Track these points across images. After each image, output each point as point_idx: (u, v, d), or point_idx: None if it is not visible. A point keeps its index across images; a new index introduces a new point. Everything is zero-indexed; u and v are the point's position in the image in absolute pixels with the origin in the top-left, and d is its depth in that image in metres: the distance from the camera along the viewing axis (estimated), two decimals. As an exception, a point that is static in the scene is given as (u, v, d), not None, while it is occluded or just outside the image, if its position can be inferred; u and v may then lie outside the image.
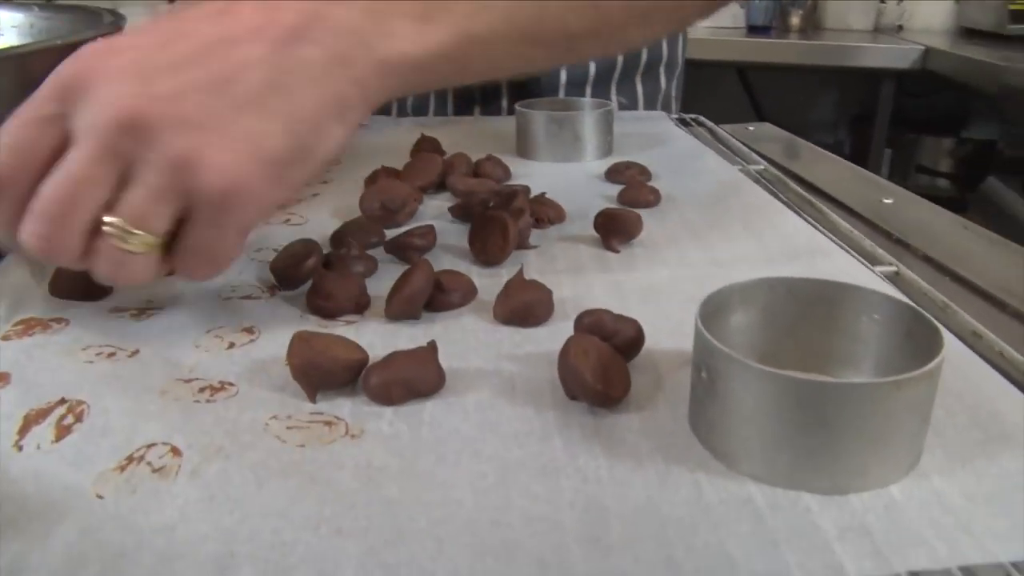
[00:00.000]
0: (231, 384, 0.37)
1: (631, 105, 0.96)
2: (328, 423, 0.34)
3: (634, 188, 0.60)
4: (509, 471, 0.31)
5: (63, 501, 0.30)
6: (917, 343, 0.34)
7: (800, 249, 0.52)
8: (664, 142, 0.77)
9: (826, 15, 2.20)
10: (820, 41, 2.03)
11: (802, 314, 0.37)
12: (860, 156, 1.97)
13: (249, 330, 0.42)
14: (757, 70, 2.19)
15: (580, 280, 0.47)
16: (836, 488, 0.30)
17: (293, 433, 0.34)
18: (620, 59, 0.93)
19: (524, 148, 0.73)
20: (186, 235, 0.37)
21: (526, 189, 0.58)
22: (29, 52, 0.51)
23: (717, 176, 0.67)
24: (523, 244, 0.51)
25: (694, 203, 0.60)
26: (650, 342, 0.39)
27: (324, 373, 0.36)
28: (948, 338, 0.34)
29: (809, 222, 0.56)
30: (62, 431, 0.34)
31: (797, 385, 0.29)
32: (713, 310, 0.35)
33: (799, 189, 0.64)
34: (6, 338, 0.41)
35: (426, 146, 0.71)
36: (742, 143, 0.77)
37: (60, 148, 0.36)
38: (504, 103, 0.92)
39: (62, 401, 0.36)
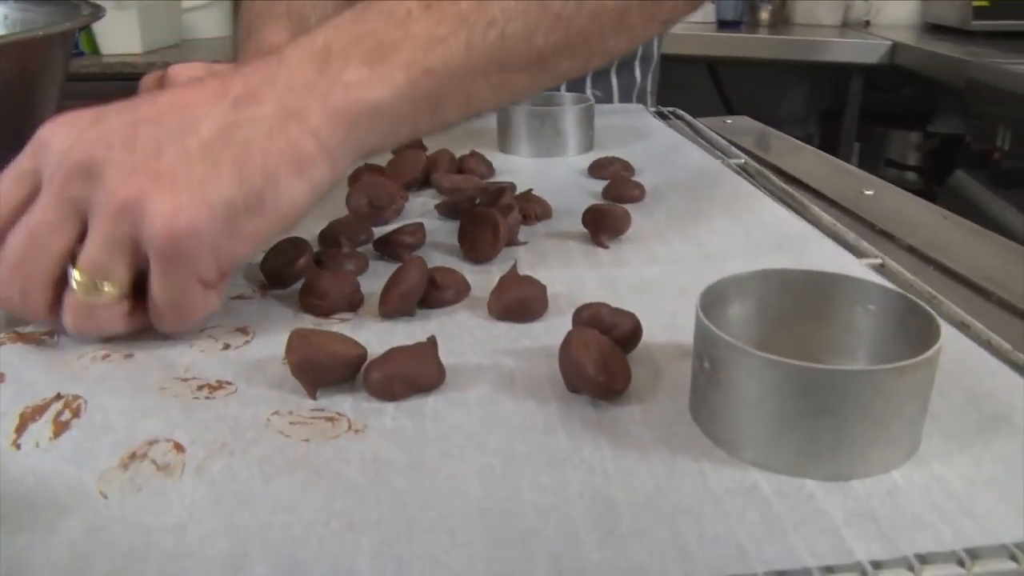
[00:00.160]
0: (229, 383, 0.37)
1: (606, 99, 0.97)
2: (330, 419, 0.34)
3: (619, 183, 0.60)
4: (516, 464, 0.31)
5: (66, 499, 0.29)
6: (911, 331, 0.34)
7: (786, 242, 0.52)
8: (644, 136, 0.77)
9: (795, 10, 2.22)
10: (790, 36, 2.05)
11: (796, 305, 0.37)
12: (830, 150, 1.98)
13: (243, 330, 0.42)
14: (727, 65, 2.20)
15: (572, 275, 0.48)
16: (839, 474, 0.31)
17: (296, 428, 0.33)
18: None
19: (505, 143, 0.73)
20: (150, 286, 0.38)
21: (512, 185, 0.58)
22: (3, 44, 0.50)
23: (700, 170, 0.67)
24: (512, 241, 0.51)
25: (679, 197, 0.60)
26: (646, 335, 0.39)
27: (324, 369, 0.35)
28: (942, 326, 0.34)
29: (792, 213, 0.57)
30: (60, 427, 0.34)
31: (800, 372, 0.30)
32: (711, 302, 0.35)
33: (780, 182, 0.65)
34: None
35: (409, 142, 0.71)
36: (721, 136, 0.77)
37: (32, 200, 0.38)
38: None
39: (58, 397, 0.35)
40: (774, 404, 0.31)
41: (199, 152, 0.36)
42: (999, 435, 0.33)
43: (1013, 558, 0.27)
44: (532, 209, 0.55)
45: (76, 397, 0.35)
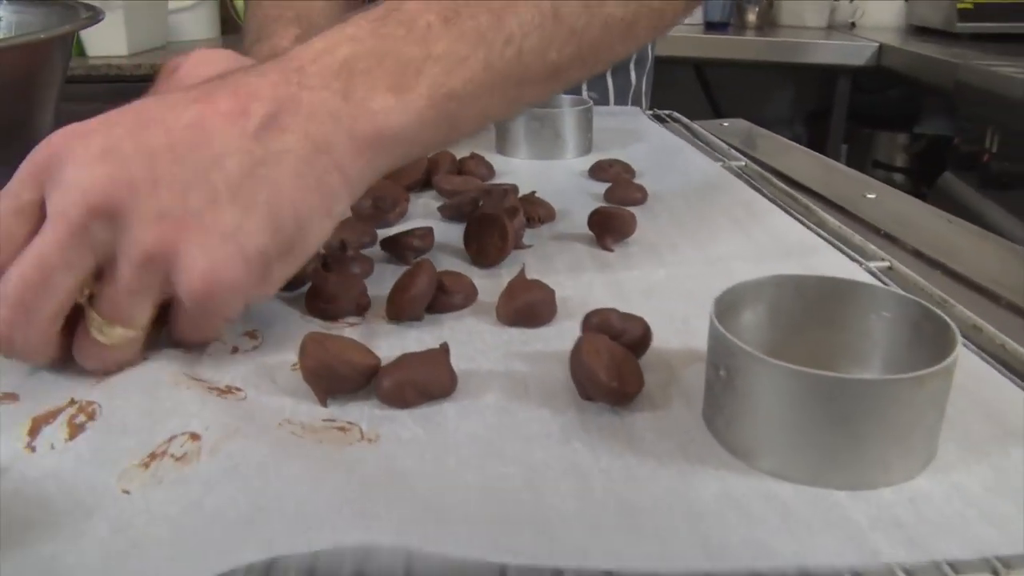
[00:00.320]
0: (238, 389, 0.36)
1: (602, 100, 0.97)
2: (342, 428, 0.34)
3: (621, 186, 0.60)
4: (535, 472, 0.31)
5: (90, 500, 0.29)
6: (925, 338, 0.34)
7: (792, 245, 0.52)
8: (642, 139, 0.77)
9: (781, 12, 2.23)
10: (777, 38, 2.06)
11: (809, 311, 0.37)
12: (817, 151, 2.00)
13: (251, 334, 0.41)
14: (714, 66, 2.21)
15: (579, 279, 0.47)
16: (859, 483, 0.31)
17: (309, 434, 0.33)
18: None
19: (504, 145, 0.73)
20: (175, 321, 0.37)
21: (514, 188, 0.58)
22: (3, 47, 0.50)
23: (700, 173, 0.67)
24: (517, 244, 0.51)
25: (681, 200, 0.60)
26: (656, 339, 0.39)
27: (338, 377, 0.35)
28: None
29: (797, 218, 0.56)
30: (75, 429, 0.33)
31: (821, 382, 0.30)
32: (724, 308, 0.35)
33: (782, 185, 0.64)
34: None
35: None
36: (719, 139, 0.77)
37: (34, 233, 0.34)
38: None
39: (71, 402, 0.35)
40: (794, 413, 0.30)
41: (228, 195, 0.34)
42: (1016, 442, 0.33)
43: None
44: (536, 212, 0.55)
45: (90, 402, 0.35)
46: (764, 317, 0.37)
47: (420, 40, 0.39)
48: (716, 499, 0.30)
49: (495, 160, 0.68)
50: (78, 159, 0.34)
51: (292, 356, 0.39)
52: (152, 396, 0.35)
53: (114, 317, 0.35)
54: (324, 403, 0.35)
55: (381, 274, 0.48)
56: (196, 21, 1.74)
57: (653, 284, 0.47)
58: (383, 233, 0.52)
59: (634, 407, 0.35)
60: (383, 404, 0.35)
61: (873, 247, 0.52)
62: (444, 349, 0.37)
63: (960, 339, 0.32)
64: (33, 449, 0.32)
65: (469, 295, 0.44)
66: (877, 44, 1.89)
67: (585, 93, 0.94)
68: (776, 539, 0.28)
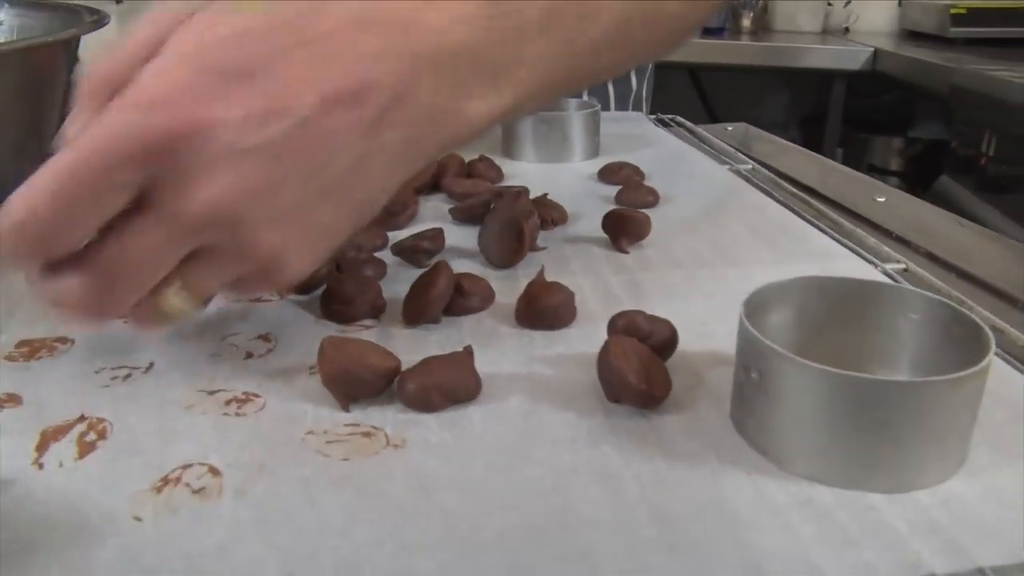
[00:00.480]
0: (256, 395, 0.36)
1: (603, 106, 0.96)
2: (367, 434, 0.33)
3: (632, 189, 0.60)
4: (564, 477, 0.30)
5: (99, 524, 0.28)
6: (955, 340, 0.34)
7: (807, 248, 0.52)
8: (648, 143, 0.77)
9: (776, 17, 2.24)
10: (772, 43, 2.06)
11: (835, 313, 0.37)
12: (812, 156, 2.00)
13: (265, 337, 0.41)
14: (709, 71, 2.21)
15: (597, 281, 0.47)
16: (895, 486, 0.30)
17: (334, 447, 0.32)
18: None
19: (511, 148, 0.72)
20: (234, 287, 0.36)
21: (525, 190, 0.57)
22: (10, 51, 0.49)
23: (709, 176, 0.67)
24: (532, 246, 0.50)
25: (693, 203, 0.60)
26: (679, 342, 0.39)
27: (359, 382, 0.34)
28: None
29: (810, 221, 0.56)
30: (85, 447, 0.32)
31: (858, 384, 0.29)
32: (751, 310, 0.35)
33: (792, 188, 0.64)
34: (10, 359, 0.39)
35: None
36: (726, 144, 0.77)
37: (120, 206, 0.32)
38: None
39: (81, 418, 0.34)
40: (829, 416, 0.30)
41: (332, 191, 0.34)
42: (1050, 444, 0.33)
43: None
44: (549, 214, 0.54)
45: (100, 420, 0.34)
46: (790, 319, 0.37)
47: (516, 41, 0.37)
48: (751, 505, 0.29)
49: (502, 163, 0.68)
50: (202, 158, 0.31)
51: (308, 360, 0.38)
52: (164, 416, 0.34)
53: (194, 293, 0.35)
54: (346, 408, 0.35)
55: (394, 277, 0.47)
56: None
57: (671, 286, 0.46)
58: (394, 236, 0.52)
59: (662, 410, 0.35)
60: (406, 408, 0.35)
61: (887, 250, 0.52)
62: (468, 352, 0.36)
63: (994, 341, 0.31)
64: (41, 466, 0.31)
65: (486, 297, 0.44)
66: (872, 49, 1.90)
67: (586, 98, 0.94)
68: (816, 548, 0.27)
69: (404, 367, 0.36)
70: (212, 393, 0.36)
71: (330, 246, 0.36)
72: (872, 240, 0.53)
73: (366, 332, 0.41)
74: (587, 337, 0.40)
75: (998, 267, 0.51)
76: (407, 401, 0.34)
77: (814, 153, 0.80)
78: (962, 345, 0.33)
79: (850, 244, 0.52)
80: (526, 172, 0.68)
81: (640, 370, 0.34)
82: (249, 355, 0.39)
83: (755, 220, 0.56)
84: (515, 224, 0.47)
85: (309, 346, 0.39)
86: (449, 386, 0.35)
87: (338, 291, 0.42)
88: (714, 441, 0.33)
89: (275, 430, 0.33)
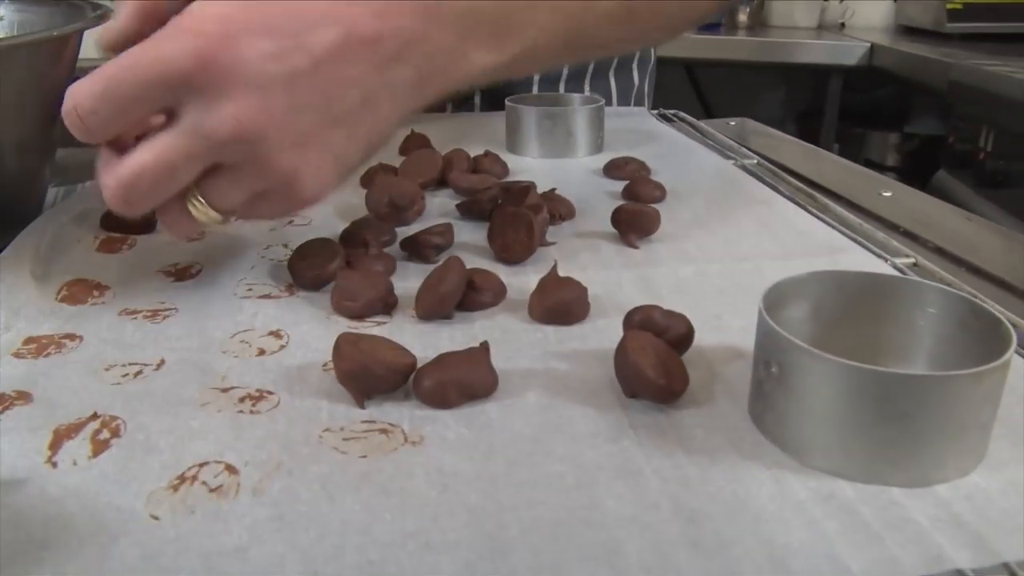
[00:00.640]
0: (270, 392, 0.35)
1: (606, 100, 0.96)
2: (384, 431, 0.33)
3: (639, 183, 0.60)
4: (586, 472, 0.30)
5: (115, 523, 0.28)
6: (973, 334, 0.34)
7: (817, 242, 0.52)
8: (652, 138, 0.77)
9: (772, 12, 2.24)
10: (768, 38, 2.06)
11: (851, 307, 0.37)
12: (809, 151, 2.00)
13: (276, 333, 0.40)
14: (705, 67, 2.21)
15: (608, 276, 0.47)
16: (916, 480, 0.30)
17: (351, 444, 0.32)
18: (593, 55, 0.93)
19: (515, 144, 0.72)
20: (255, 204, 0.40)
21: (533, 185, 0.57)
22: (13, 45, 0.48)
23: (715, 171, 0.67)
24: (541, 241, 0.50)
25: (700, 198, 0.59)
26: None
27: (375, 378, 0.34)
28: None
29: (817, 216, 0.56)
30: (99, 446, 0.32)
31: (881, 378, 0.29)
32: (769, 304, 0.34)
33: (798, 183, 0.64)
34: (18, 355, 0.38)
35: (416, 142, 0.69)
36: (729, 138, 0.77)
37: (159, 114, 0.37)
38: (477, 101, 0.91)
39: (94, 416, 0.34)
40: (851, 410, 0.30)
41: (345, 121, 0.38)
42: (1070, 437, 0.33)
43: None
44: (557, 209, 0.54)
45: (113, 417, 0.34)
46: (807, 313, 0.37)
47: (530, 8, 0.42)
48: (773, 500, 0.29)
49: (507, 158, 0.67)
50: (231, 86, 0.35)
51: (321, 356, 0.38)
52: (178, 414, 0.34)
53: (220, 207, 0.39)
54: (362, 405, 0.34)
55: (404, 272, 0.47)
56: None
57: (682, 281, 0.46)
58: (402, 232, 0.51)
59: (679, 404, 0.35)
60: (422, 404, 0.34)
61: (896, 244, 0.52)
62: (484, 348, 0.36)
63: (1015, 334, 0.31)
64: (55, 465, 0.31)
65: (498, 293, 0.43)
66: (869, 44, 1.90)
67: (588, 92, 0.94)
68: (840, 544, 0.27)
69: (419, 363, 0.35)
70: (226, 391, 0.36)
71: (343, 173, 0.39)
72: (880, 234, 0.53)
73: (378, 328, 0.41)
74: (601, 332, 0.40)
75: (1008, 262, 0.51)
76: (423, 397, 0.34)
77: (819, 148, 0.80)
78: (979, 339, 0.33)
79: (858, 238, 0.52)
80: (531, 167, 0.68)
81: (658, 365, 0.34)
82: (261, 352, 0.39)
83: (764, 215, 0.56)
84: (524, 219, 0.47)
85: (321, 342, 0.39)
86: (466, 382, 0.34)
87: (349, 287, 0.42)
88: (733, 436, 0.33)
89: (291, 427, 0.33)
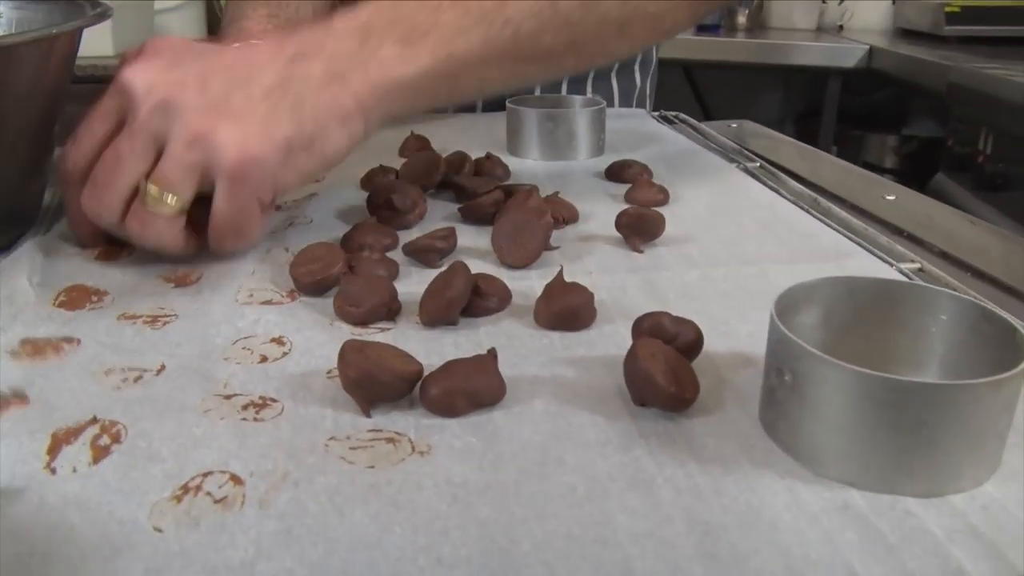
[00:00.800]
0: (274, 400, 0.35)
1: (607, 102, 0.95)
2: (390, 440, 0.32)
3: (642, 187, 0.59)
4: (598, 483, 0.30)
5: (118, 535, 0.27)
6: (985, 341, 0.33)
7: (822, 247, 0.51)
8: (654, 140, 0.76)
9: (771, 14, 2.24)
10: (767, 40, 2.06)
11: (862, 313, 0.36)
12: (806, 153, 2.00)
13: (279, 340, 0.40)
14: (704, 68, 2.21)
15: (613, 281, 0.46)
16: (931, 490, 0.30)
17: (358, 454, 0.31)
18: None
19: (516, 146, 0.71)
20: (214, 207, 0.44)
21: (535, 188, 0.57)
22: (16, 43, 0.48)
23: (718, 174, 0.66)
24: (545, 245, 0.50)
25: (703, 202, 0.59)
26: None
27: (382, 386, 0.33)
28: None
29: (822, 220, 0.56)
30: (99, 452, 0.31)
31: (897, 387, 0.29)
32: (780, 311, 0.34)
33: (801, 187, 0.64)
34: (15, 356, 0.38)
35: (415, 145, 0.69)
36: (732, 141, 0.77)
37: (117, 132, 0.44)
38: (478, 102, 0.90)
39: (94, 420, 0.33)
40: (866, 419, 0.29)
41: (261, 97, 0.43)
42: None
43: None
44: (560, 213, 0.54)
45: (114, 422, 0.33)
46: (817, 319, 0.36)
47: (431, 12, 0.47)
48: (788, 510, 0.29)
49: (507, 161, 0.67)
50: (146, 75, 0.44)
51: (325, 363, 0.38)
52: (180, 420, 0.33)
53: (163, 184, 0.43)
54: (368, 413, 0.34)
55: (406, 277, 0.47)
56: (182, 21, 1.71)
57: (687, 285, 0.46)
58: (403, 236, 0.51)
59: (689, 412, 0.34)
60: (429, 412, 0.34)
61: (901, 248, 0.51)
62: (492, 355, 0.35)
63: (1028, 342, 0.31)
64: (54, 471, 0.30)
65: (503, 298, 0.43)
66: (867, 46, 1.90)
67: (590, 94, 0.93)
68: (857, 556, 0.27)
69: (425, 370, 0.35)
70: (228, 397, 0.35)
71: (273, 142, 0.43)
72: (883, 239, 0.52)
73: (382, 334, 0.40)
74: (607, 338, 0.40)
75: (1015, 267, 0.50)
76: (430, 405, 0.34)
77: (822, 151, 0.80)
78: (992, 345, 0.33)
79: (863, 243, 0.52)
80: (533, 170, 0.67)
81: (668, 372, 0.34)
82: (264, 358, 0.38)
83: (767, 219, 0.56)
84: (529, 223, 0.47)
85: (324, 349, 0.39)
86: (473, 390, 0.34)
87: (352, 293, 0.41)
88: (745, 444, 0.32)
89: (296, 436, 0.32)
